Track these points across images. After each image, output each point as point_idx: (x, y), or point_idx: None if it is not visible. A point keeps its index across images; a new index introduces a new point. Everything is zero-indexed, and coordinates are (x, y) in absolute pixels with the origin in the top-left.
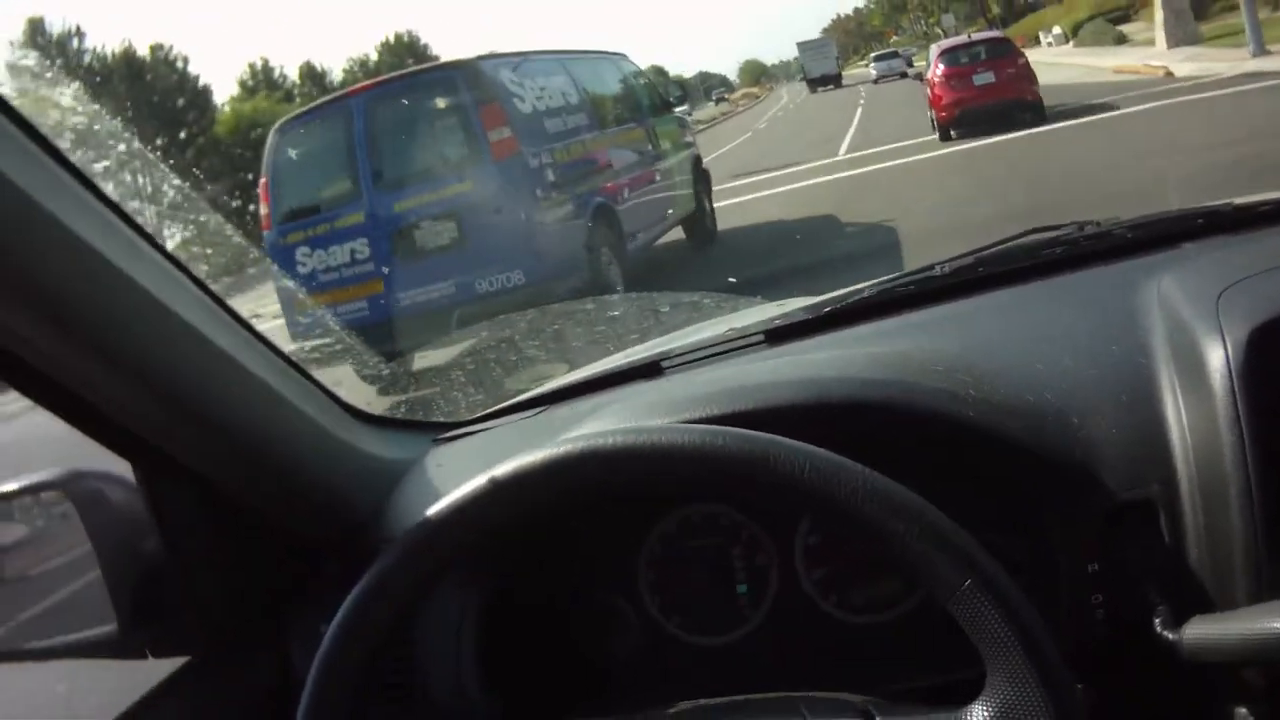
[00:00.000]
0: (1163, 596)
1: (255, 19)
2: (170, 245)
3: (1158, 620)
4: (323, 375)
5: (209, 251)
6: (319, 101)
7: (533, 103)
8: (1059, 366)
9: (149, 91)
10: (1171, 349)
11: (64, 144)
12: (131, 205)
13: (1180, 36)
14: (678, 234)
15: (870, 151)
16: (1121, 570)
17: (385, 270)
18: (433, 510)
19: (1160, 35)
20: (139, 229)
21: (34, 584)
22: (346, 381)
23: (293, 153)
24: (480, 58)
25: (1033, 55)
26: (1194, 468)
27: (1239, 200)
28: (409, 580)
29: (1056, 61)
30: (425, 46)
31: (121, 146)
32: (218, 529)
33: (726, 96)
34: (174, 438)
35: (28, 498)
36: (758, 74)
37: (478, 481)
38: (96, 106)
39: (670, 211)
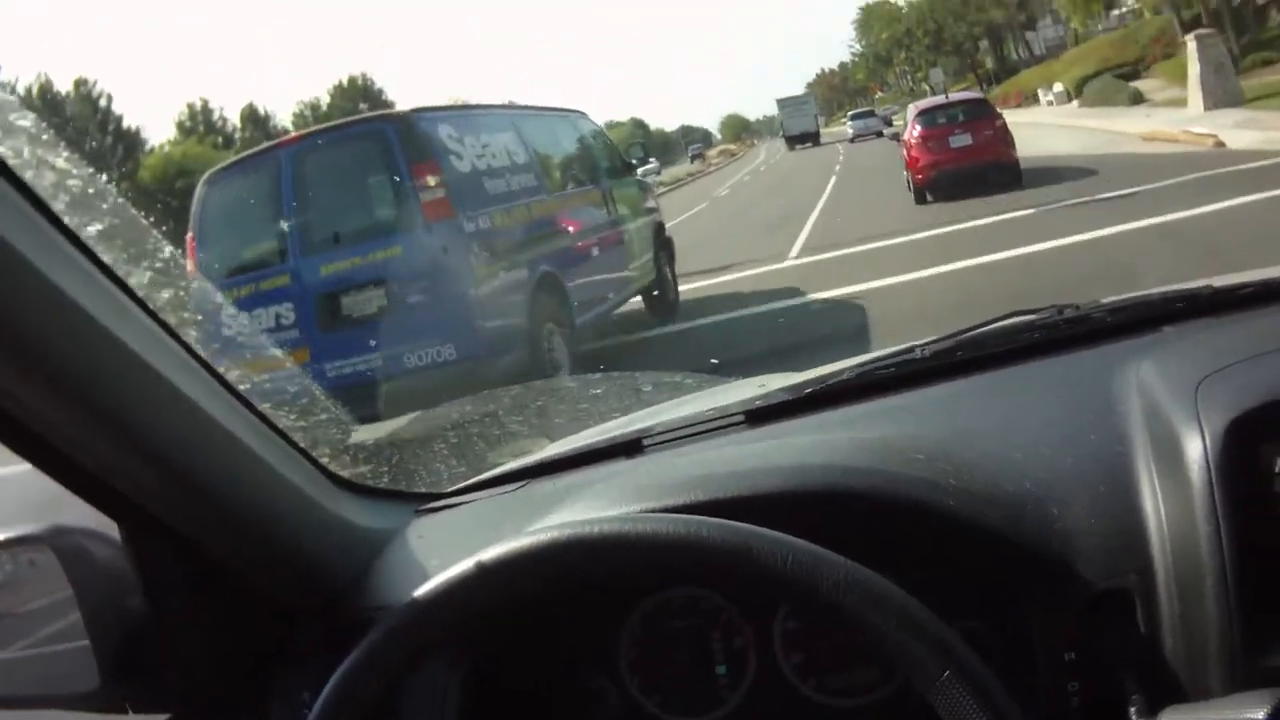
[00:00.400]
0: (1138, 685)
1: (198, 58)
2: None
3: (1133, 709)
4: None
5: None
6: (248, 153)
7: (472, 161)
8: (1037, 454)
9: (63, 128)
10: (1149, 437)
11: (58, 206)
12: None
13: (1220, 96)
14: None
15: (828, 256)
16: (1098, 659)
17: (309, 338)
18: (421, 591)
19: (1196, 95)
20: (127, 289)
21: (15, 633)
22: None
23: (220, 206)
24: (415, 110)
25: (1032, 116)
26: (1171, 558)
27: (1219, 282)
28: (397, 657)
29: (1063, 123)
30: (380, 91)
31: (107, 206)
32: (200, 589)
33: (703, 154)
34: (158, 499)
35: (11, 549)
36: (739, 129)
37: (465, 565)
38: (90, 169)
39: (627, 282)
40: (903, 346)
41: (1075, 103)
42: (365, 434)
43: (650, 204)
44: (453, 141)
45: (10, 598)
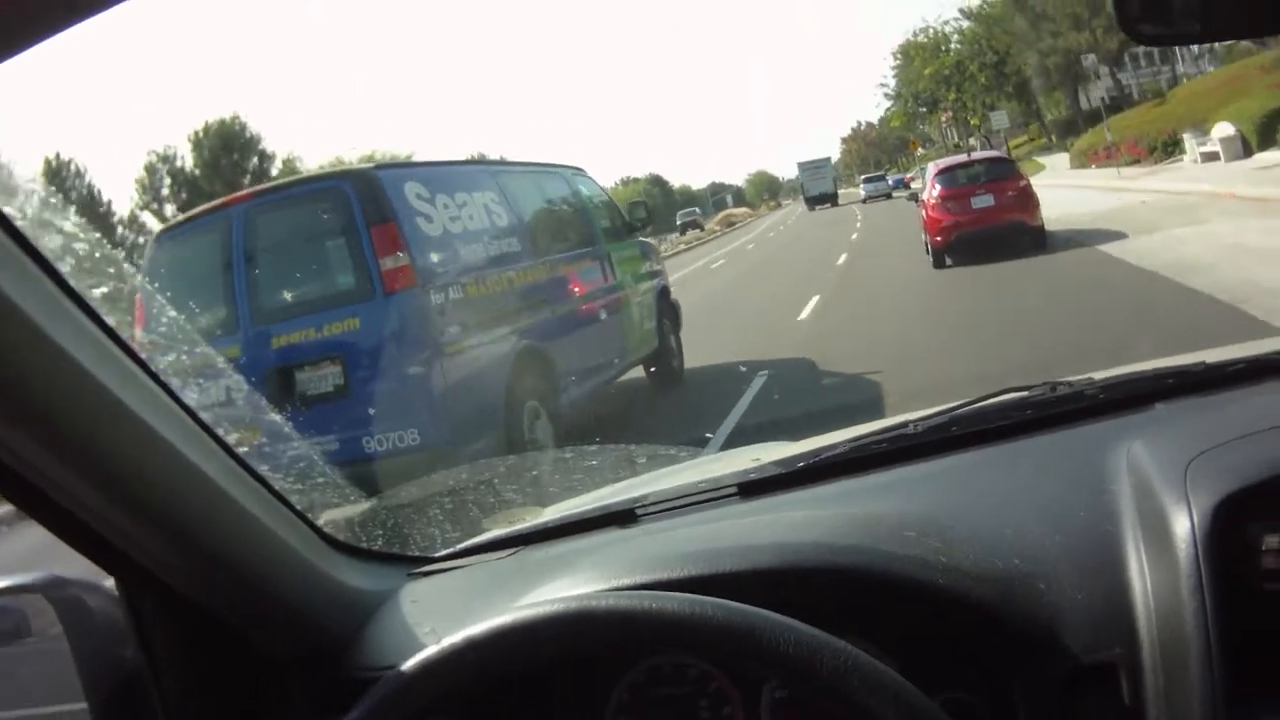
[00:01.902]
0: None
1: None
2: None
3: None
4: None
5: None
6: (199, 209)
7: (444, 224)
8: (1027, 531)
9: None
10: (1139, 515)
11: (65, 268)
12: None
13: None
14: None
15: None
16: None
17: (258, 417)
18: (414, 661)
19: None
20: (132, 353)
21: (9, 682)
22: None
23: (169, 268)
24: (378, 166)
25: (1188, 183)
26: (1156, 632)
27: (1211, 358)
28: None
29: None
30: (257, 139)
31: (112, 270)
32: (194, 643)
33: (698, 222)
34: (155, 555)
35: (8, 598)
36: (765, 187)
37: (456, 640)
38: (96, 234)
39: (624, 352)
40: (896, 420)
41: (1264, 152)
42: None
43: (654, 267)
44: (421, 202)
45: (5, 647)
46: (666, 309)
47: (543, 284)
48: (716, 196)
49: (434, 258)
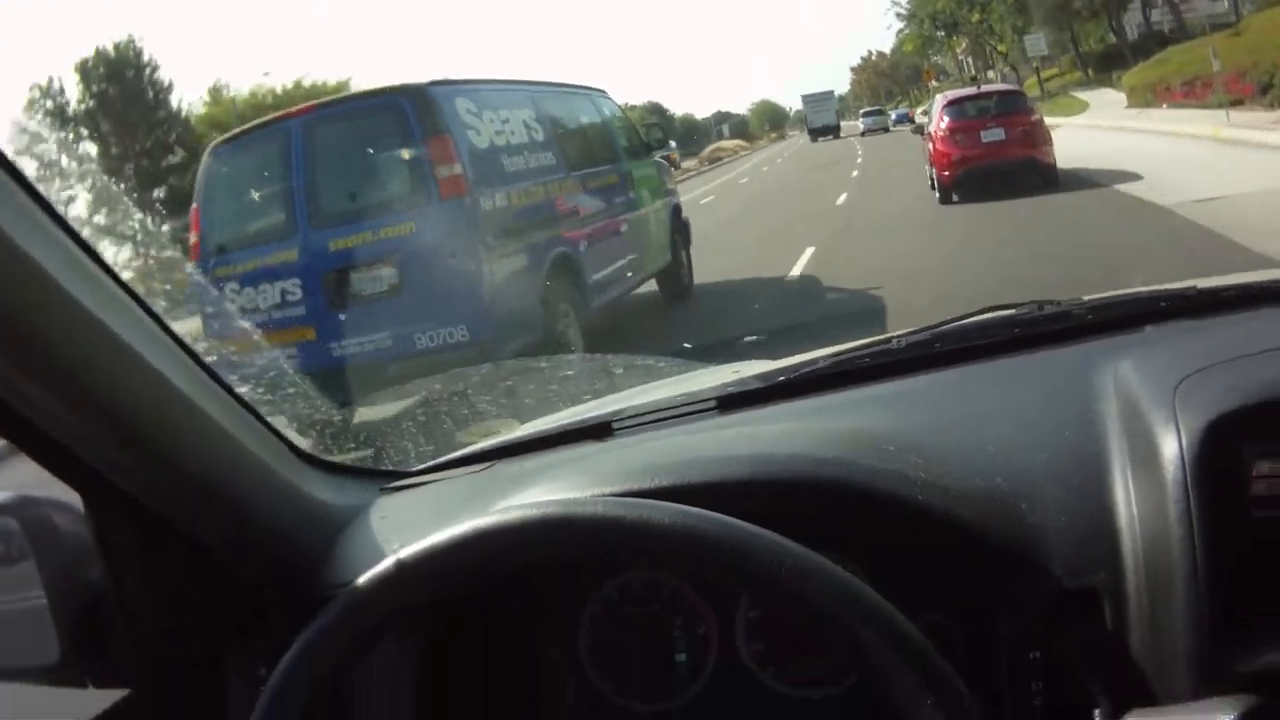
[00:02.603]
0: (1104, 687)
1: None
2: (127, 275)
3: (1097, 712)
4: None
5: (168, 287)
6: (257, 122)
7: (490, 137)
8: (1011, 450)
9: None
10: (1126, 436)
11: (30, 171)
12: (87, 233)
13: None
14: (649, 286)
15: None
16: (1063, 659)
17: (317, 315)
18: (379, 569)
19: None
20: (99, 260)
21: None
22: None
23: (226, 178)
24: (433, 82)
25: None
26: (1142, 557)
27: (1203, 283)
28: (350, 635)
29: None
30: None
31: (88, 179)
32: (162, 563)
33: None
34: (121, 470)
35: None
36: (771, 117)
37: (435, 540)
38: (64, 134)
39: (642, 264)
40: (879, 337)
41: None
42: (334, 410)
43: (668, 186)
44: (470, 116)
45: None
46: (678, 226)
47: (573, 197)
48: (719, 126)
49: (481, 169)
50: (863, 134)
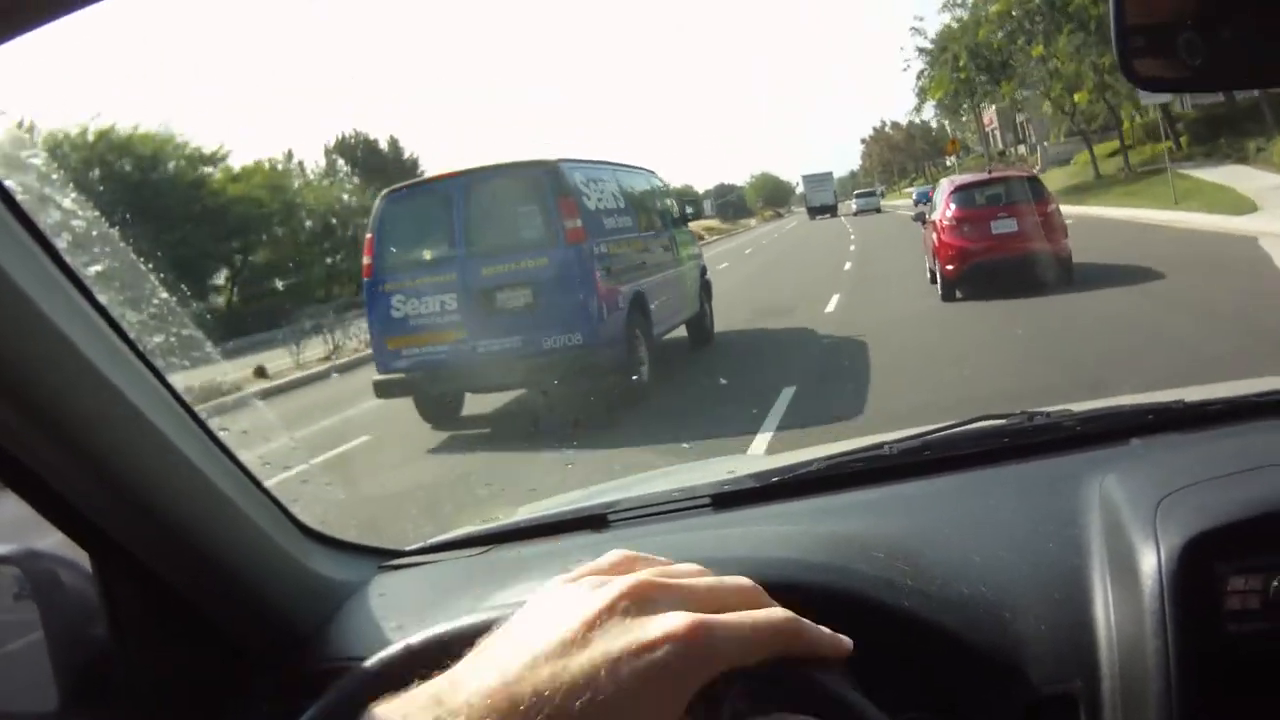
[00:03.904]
0: None
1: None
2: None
3: None
4: (291, 490)
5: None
6: (423, 179)
7: (595, 201)
8: (996, 559)
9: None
10: (1108, 550)
11: (61, 244)
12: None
13: None
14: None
15: None
16: None
17: (467, 321)
18: (386, 653)
19: None
20: (121, 332)
21: None
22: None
23: (397, 218)
24: (560, 160)
25: None
26: (1117, 668)
27: (1190, 397)
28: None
29: None
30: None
31: (108, 249)
32: (164, 624)
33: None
34: (129, 533)
35: None
36: (768, 191)
37: (423, 636)
38: (95, 212)
39: (682, 309)
40: (871, 441)
41: None
42: (338, 488)
43: (696, 250)
44: (583, 185)
45: None
46: (705, 284)
47: (641, 252)
48: (721, 200)
49: (590, 224)
50: (855, 214)
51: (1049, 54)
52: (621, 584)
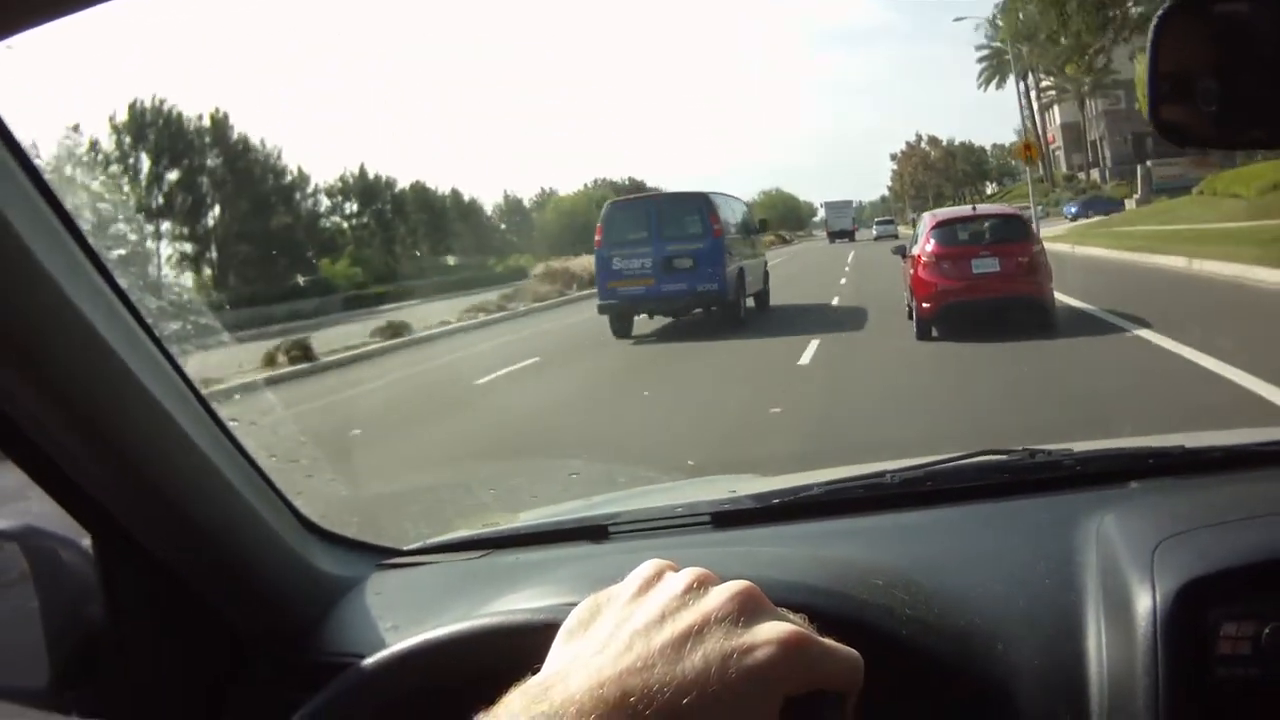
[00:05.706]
0: None
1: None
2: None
3: None
4: (295, 483)
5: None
6: (633, 196)
7: (724, 215)
8: (993, 593)
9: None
10: (1103, 590)
11: (85, 226)
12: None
13: None
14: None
15: None
16: None
17: (657, 274)
18: (386, 653)
19: None
20: (139, 316)
21: None
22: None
23: (616, 216)
24: (712, 192)
25: None
26: (1106, 704)
27: (1191, 442)
28: (349, 715)
29: None
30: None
31: (134, 236)
32: (162, 609)
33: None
34: (134, 515)
35: None
36: (778, 209)
37: (427, 637)
38: (123, 195)
39: (757, 284)
40: (874, 469)
41: None
42: (343, 485)
43: (762, 251)
44: (720, 206)
45: None
46: (766, 273)
47: (742, 245)
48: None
49: (725, 228)
50: (876, 239)
51: None
52: (733, 588)
